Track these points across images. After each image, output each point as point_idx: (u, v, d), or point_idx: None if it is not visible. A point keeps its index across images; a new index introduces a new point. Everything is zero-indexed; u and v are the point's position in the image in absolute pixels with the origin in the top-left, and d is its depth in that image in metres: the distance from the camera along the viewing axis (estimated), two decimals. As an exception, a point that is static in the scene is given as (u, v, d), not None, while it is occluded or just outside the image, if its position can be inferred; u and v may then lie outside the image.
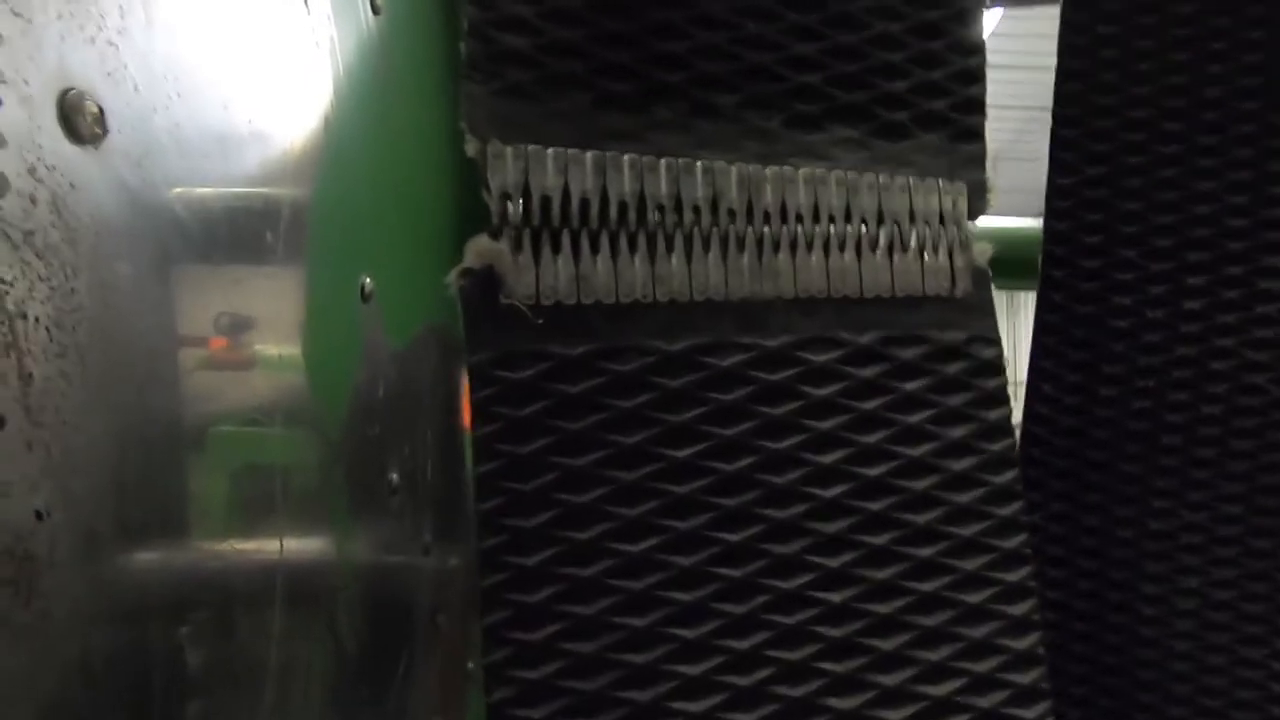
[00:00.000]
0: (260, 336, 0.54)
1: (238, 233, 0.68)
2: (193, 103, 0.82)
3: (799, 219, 0.66)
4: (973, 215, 0.71)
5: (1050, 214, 0.93)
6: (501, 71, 0.60)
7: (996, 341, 0.71)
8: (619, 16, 0.63)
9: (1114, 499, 0.96)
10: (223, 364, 0.48)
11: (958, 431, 0.68)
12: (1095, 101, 0.91)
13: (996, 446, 0.68)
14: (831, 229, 0.67)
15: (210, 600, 0.44)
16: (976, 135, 0.72)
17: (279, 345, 0.55)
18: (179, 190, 0.74)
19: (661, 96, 0.64)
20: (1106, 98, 0.93)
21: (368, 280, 1.20)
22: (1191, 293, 0.93)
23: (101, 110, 0.38)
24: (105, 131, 0.44)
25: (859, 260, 0.67)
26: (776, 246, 0.65)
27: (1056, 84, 0.92)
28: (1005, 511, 0.68)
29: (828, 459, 0.65)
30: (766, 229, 0.65)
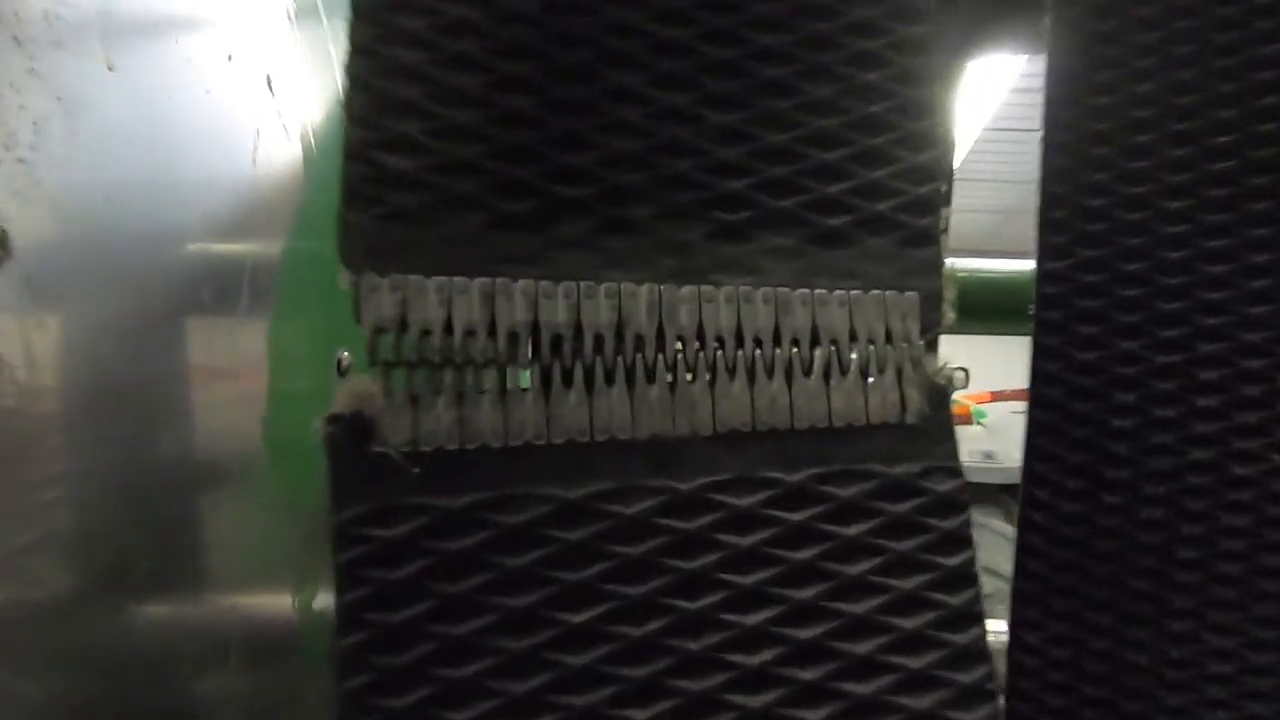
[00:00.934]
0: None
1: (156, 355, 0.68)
2: (123, 208, 0.78)
3: (719, 342, 0.59)
4: (926, 329, 0.62)
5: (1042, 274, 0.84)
6: (383, 196, 0.55)
7: (957, 471, 0.62)
8: (520, 129, 0.57)
9: (1125, 619, 0.84)
10: None
11: (911, 582, 0.59)
12: (1089, 128, 0.82)
13: (958, 600, 0.59)
14: (758, 353, 0.59)
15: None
16: (930, 239, 0.63)
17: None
18: (88, 308, 0.70)
19: (565, 213, 0.58)
20: (1102, 123, 0.83)
21: (345, 355, 1.15)
22: (1205, 389, 0.82)
23: (5, 232, 0.37)
24: (8, 255, 0.47)
25: (790, 387, 0.59)
26: (693, 375, 0.58)
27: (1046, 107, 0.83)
28: (969, 678, 0.58)
29: (753, 620, 0.56)
30: (681, 356, 0.58)
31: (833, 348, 0.61)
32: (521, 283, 0.56)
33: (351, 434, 0.53)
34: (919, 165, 0.64)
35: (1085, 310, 0.83)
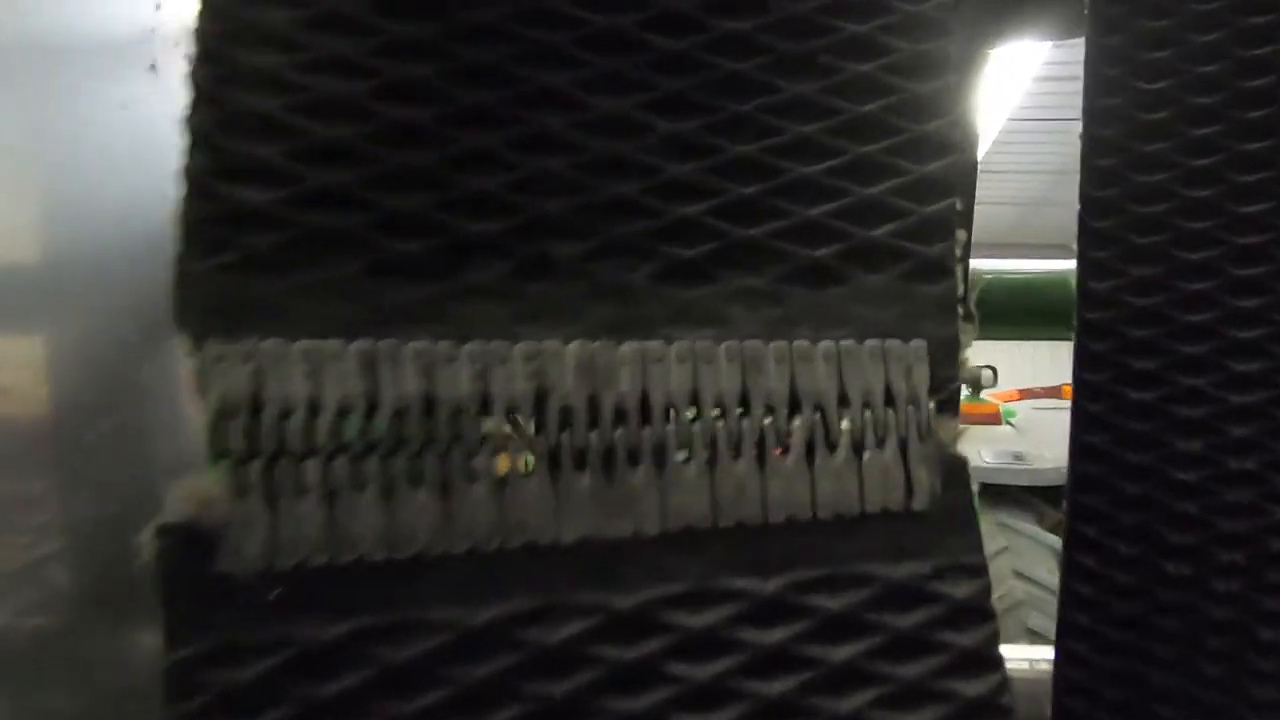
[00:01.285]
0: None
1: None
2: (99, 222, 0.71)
3: (669, 415, 0.46)
4: (939, 387, 0.49)
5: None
6: (232, 239, 0.43)
7: (980, 569, 0.48)
8: (411, 148, 0.45)
9: (1195, 712, 0.70)
10: None
11: (921, 717, 0.45)
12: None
13: (978, 738, 0.46)
14: (720, 425, 0.46)
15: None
16: (942, 271, 0.50)
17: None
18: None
19: (472, 254, 0.45)
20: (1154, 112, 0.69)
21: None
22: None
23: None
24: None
25: (761, 469, 0.46)
26: (634, 459, 0.45)
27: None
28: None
29: (710, 775, 0.44)
30: (619, 433, 0.45)
31: (817, 416, 0.47)
32: (413, 345, 0.44)
33: (189, 549, 0.41)
34: (926, 178, 0.51)
35: (1138, 340, 0.69)
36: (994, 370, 4.00)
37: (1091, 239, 0.71)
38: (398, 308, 0.44)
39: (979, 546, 0.49)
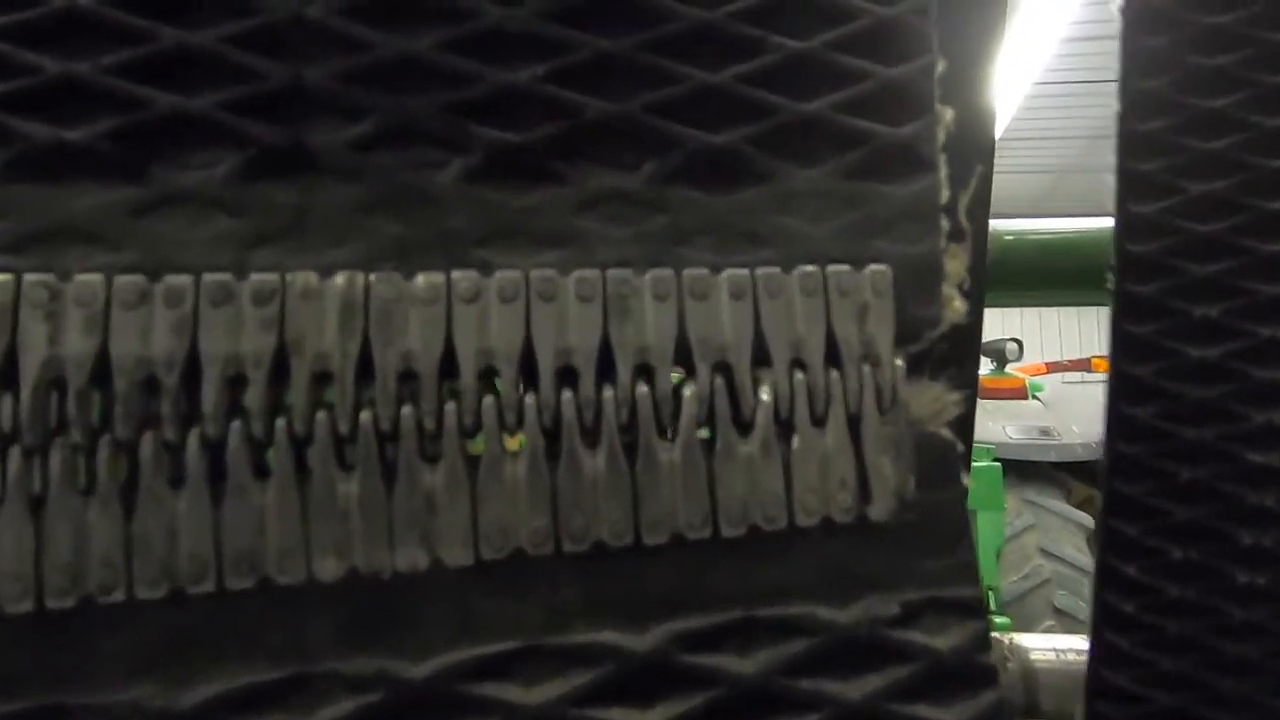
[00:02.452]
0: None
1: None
2: None
3: (486, 382, 0.30)
4: (910, 336, 0.32)
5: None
6: None
7: (971, 606, 0.32)
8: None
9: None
10: None
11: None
12: None
13: None
14: (567, 398, 0.30)
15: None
16: (915, 163, 0.33)
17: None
18: None
19: (174, 137, 0.29)
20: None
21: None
22: None
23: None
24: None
25: (630, 463, 0.30)
26: (431, 450, 0.29)
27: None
28: None
29: None
30: (407, 411, 0.29)
31: (719, 380, 0.31)
32: (79, 281, 0.28)
33: None
34: (890, 24, 0.33)
35: (1198, 281, 0.52)
36: (1019, 343, 3.79)
37: (1134, 145, 0.53)
38: (58, 224, 0.28)
39: (972, 570, 0.32)
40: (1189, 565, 0.54)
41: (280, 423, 0.29)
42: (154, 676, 0.28)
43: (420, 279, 0.30)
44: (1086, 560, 2.69)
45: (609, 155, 0.32)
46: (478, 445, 0.30)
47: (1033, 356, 4.56)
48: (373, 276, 0.30)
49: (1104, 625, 0.58)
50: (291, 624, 0.28)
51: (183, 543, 0.28)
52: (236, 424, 0.28)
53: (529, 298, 0.30)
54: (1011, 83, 5.86)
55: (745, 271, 0.32)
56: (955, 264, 0.34)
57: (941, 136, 0.34)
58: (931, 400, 0.33)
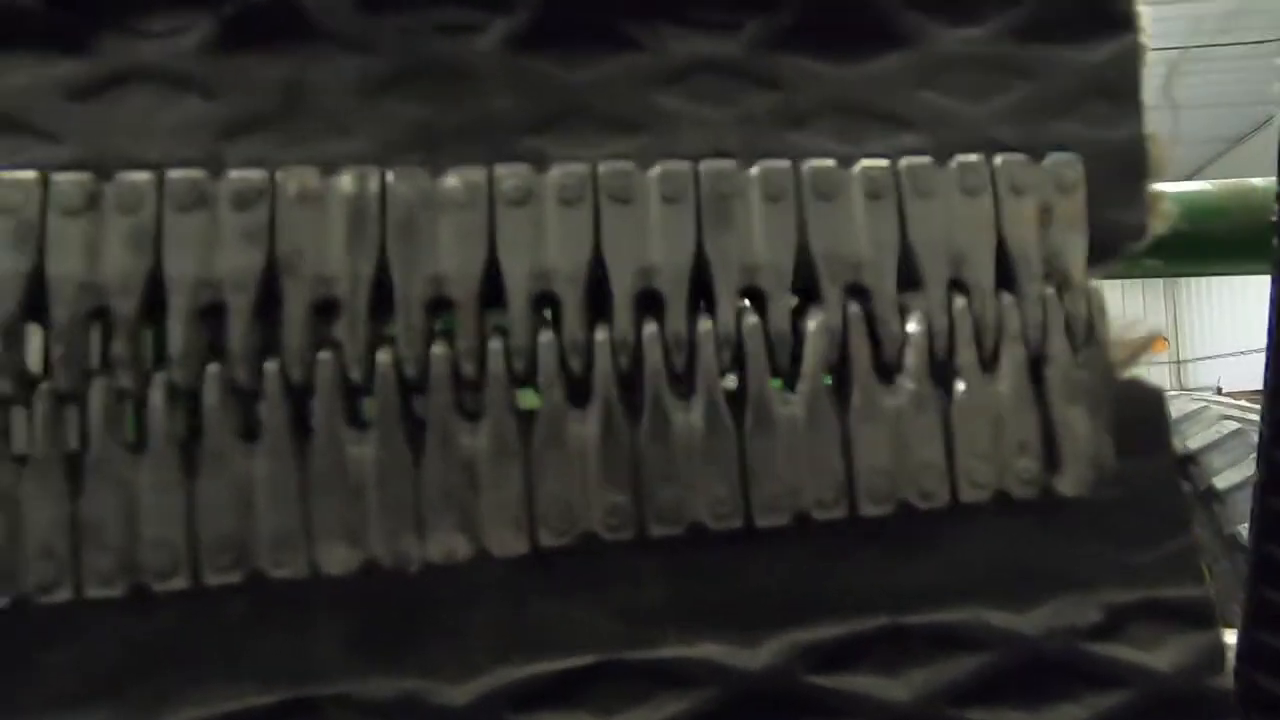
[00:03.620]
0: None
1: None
2: None
3: (542, 316, 0.22)
4: (1107, 249, 0.24)
5: None
6: None
7: (1201, 609, 0.23)
8: None
9: None
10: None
11: None
12: None
13: None
14: (648, 333, 0.22)
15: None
16: (1111, 15, 0.24)
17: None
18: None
19: (114, 4, 0.22)
20: None
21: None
22: None
23: None
24: None
25: (738, 420, 0.22)
26: (467, 409, 0.22)
27: None
28: None
29: None
30: (440, 353, 0.22)
31: (852, 309, 0.23)
32: (5, 177, 0.21)
33: None
34: None
35: None
36: None
37: None
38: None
39: (1194, 562, 0.24)
40: None
41: (271, 366, 0.21)
42: (109, 702, 0.21)
43: (452, 177, 0.22)
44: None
45: (700, 12, 0.24)
46: (531, 398, 0.23)
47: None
48: (390, 174, 0.22)
49: (1259, 623, 0.48)
50: (290, 632, 0.21)
51: (145, 526, 0.21)
52: (213, 368, 0.21)
53: (597, 199, 0.23)
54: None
55: (884, 163, 0.23)
56: (1162, 154, 0.25)
57: (1142, -13, 0.25)
58: (1135, 337, 0.24)
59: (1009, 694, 0.24)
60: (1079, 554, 0.25)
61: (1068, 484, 0.24)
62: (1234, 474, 2.62)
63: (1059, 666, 0.24)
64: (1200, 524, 2.66)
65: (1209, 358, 6.48)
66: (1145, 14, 0.28)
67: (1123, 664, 0.24)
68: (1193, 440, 2.71)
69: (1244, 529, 2.49)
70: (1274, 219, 0.47)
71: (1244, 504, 2.50)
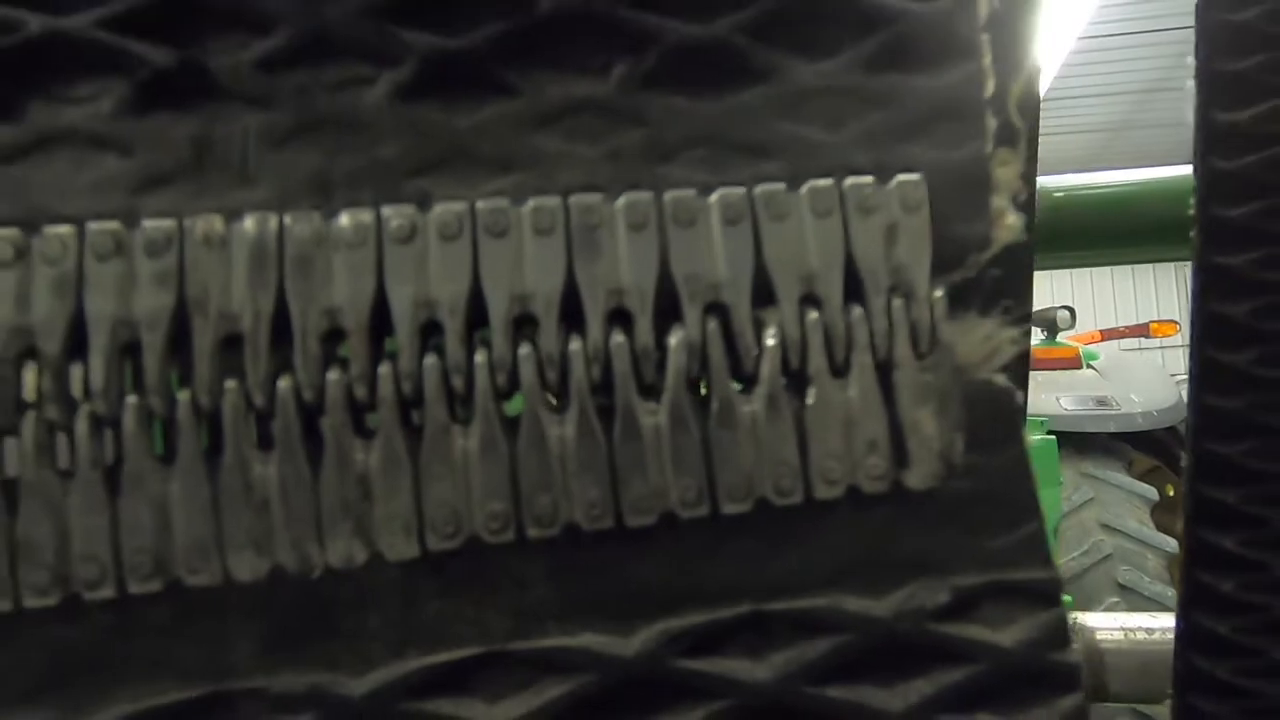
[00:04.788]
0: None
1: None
2: None
3: (424, 335, 0.24)
4: (952, 263, 0.26)
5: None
6: None
7: (1046, 591, 0.25)
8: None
9: None
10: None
11: None
12: None
13: None
14: (524, 352, 0.24)
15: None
16: (956, 47, 0.26)
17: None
18: None
19: (35, 72, 0.24)
20: None
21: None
22: None
23: None
24: None
25: (606, 428, 0.24)
26: (361, 428, 0.24)
27: None
28: None
29: None
30: (334, 376, 0.24)
31: (711, 326, 0.25)
32: None
33: None
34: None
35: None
36: (1071, 310, 3.61)
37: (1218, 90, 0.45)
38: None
39: (1041, 545, 0.26)
40: None
41: (183, 397, 0.24)
42: (45, 702, 0.23)
43: (345, 217, 0.25)
44: (1151, 534, 2.56)
45: (570, 57, 0.26)
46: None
47: (1085, 324, 4.35)
48: (287, 217, 0.24)
49: (1195, 606, 0.50)
50: (207, 634, 0.24)
51: (76, 542, 0.23)
52: (131, 400, 0.24)
53: (476, 234, 0.25)
54: (1055, 39, 5.57)
55: (741, 190, 0.25)
56: (1006, 171, 0.27)
57: (984, 11, 0.27)
58: (981, 340, 0.26)
59: (864, 672, 0.26)
60: (932, 543, 0.27)
61: (915, 478, 0.26)
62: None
63: (911, 645, 0.26)
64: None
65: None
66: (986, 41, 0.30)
67: (971, 641, 0.26)
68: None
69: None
70: (1190, 211, 0.49)
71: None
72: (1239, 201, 0.46)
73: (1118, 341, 4.65)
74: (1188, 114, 0.50)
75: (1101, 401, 3.18)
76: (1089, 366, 3.54)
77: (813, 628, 0.25)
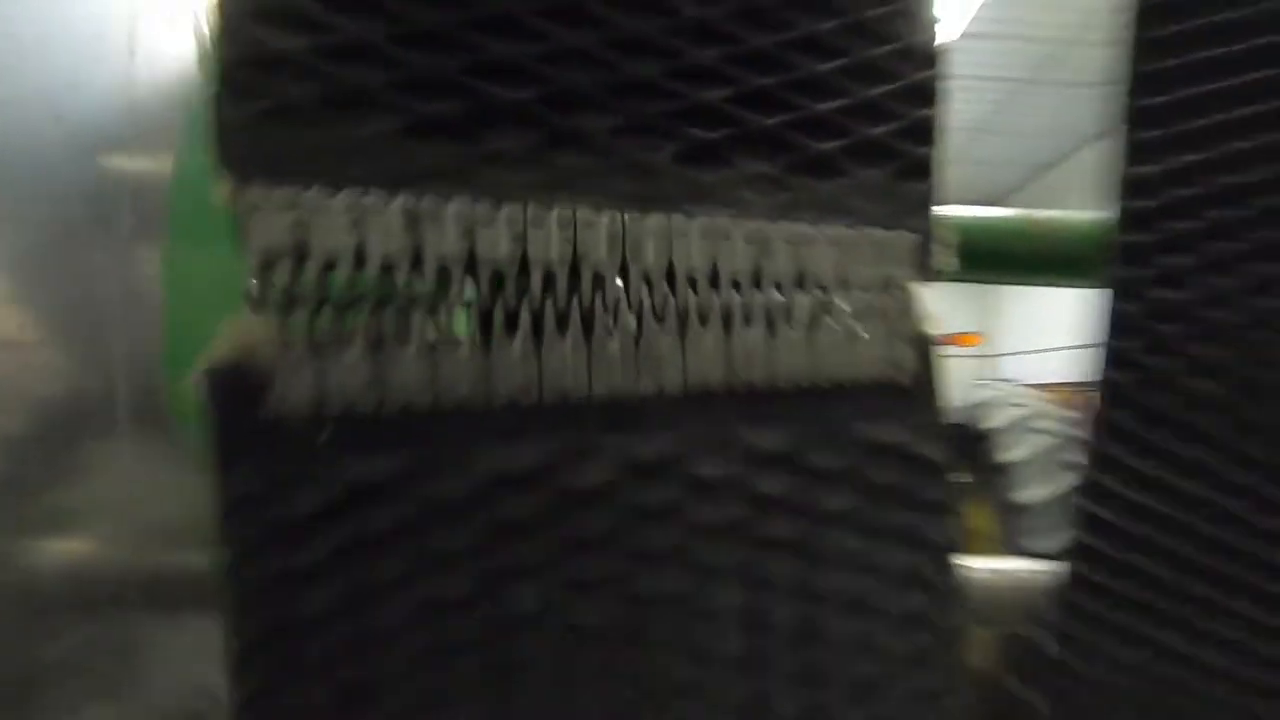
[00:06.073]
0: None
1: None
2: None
3: (691, 285, 0.48)
4: (921, 275, 0.53)
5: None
6: (268, 85, 0.42)
7: (943, 433, 0.54)
8: (438, 5, 0.44)
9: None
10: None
11: (893, 560, 0.51)
12: None
13: (938, 579, 0.52)
14: (735, 298, 0.49)
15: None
16: (926, 171, 0.54)
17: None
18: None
19: (502, 120, 0.46)
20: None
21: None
22: None
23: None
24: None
25: (770, 339, 0.50)
26: (660, 322, 0.48)
27: None
28: (946, 661, 0.52)
29: (717, 602, 0.48)
30: (646, 300, 0.47)
31: (819, 294, 0.51)
32: (454, 205, 0.44)
33: (237, 391, 0.41)
34: (919, 84, 0.54)
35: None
36: None
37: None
38: (434, 168, 0.45)
39: (941, 415, 0.55)
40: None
41: (573, 302, 0.46)
42: (498, 446, 0.45)
43: (651, 219, 0.48)
44: None
45: (760, 151, 0.51)
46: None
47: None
48: (624, 215, 0.47)
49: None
50: (574, 421, 0.46)
51: (521, 371, 0.45)
52: (546, 301, 0.46)
53: (715, 234, 0.49)
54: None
55: (832, 230, 0.52)
56: (944, 233, 0.55)
57: (935, 157, 0.55)
58: (924, 315, 0.55)
59: (863, 463, 0.53)
60: (901, 407, 0.55)
61: (901, 376, 0.54)
62: (1015, 451, 3.11)
63: (888, 454, 0.54)
64: (987, 489, 3.15)
65: (1016, 353, 7.37)
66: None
67: (917, 454, 0.55)
68: (986, 422, 3.23)
69: (1021, 494, 2.97)
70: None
71: (1020, 474, 2.98)
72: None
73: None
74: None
75: None
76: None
77: (845, 442, 0.51)
